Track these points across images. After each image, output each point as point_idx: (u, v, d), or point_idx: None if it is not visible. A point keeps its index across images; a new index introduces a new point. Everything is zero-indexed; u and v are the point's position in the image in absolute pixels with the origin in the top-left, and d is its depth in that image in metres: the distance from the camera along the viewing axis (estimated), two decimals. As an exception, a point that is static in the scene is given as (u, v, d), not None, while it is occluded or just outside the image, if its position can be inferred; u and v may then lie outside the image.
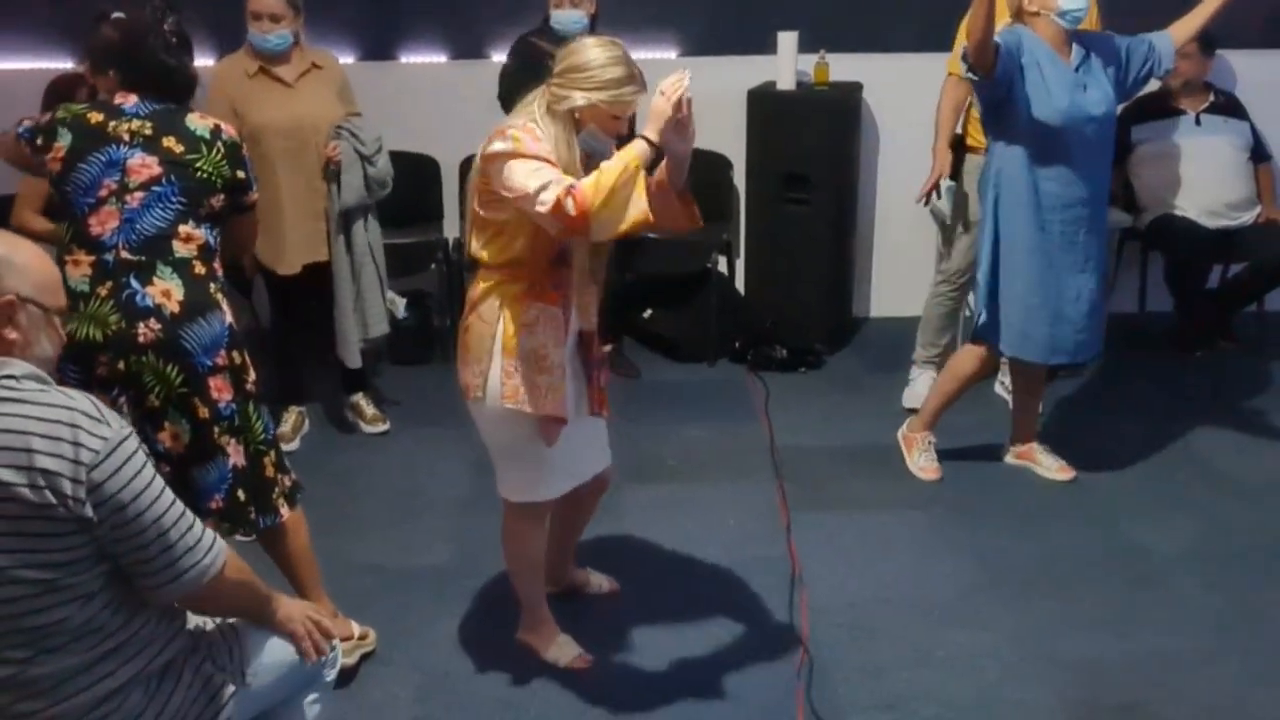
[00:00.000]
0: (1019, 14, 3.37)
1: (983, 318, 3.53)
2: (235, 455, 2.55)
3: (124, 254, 2.45)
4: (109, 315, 2.42)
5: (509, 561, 2.83)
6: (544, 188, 2.30)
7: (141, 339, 2.43)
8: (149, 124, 2.52)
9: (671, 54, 4.95)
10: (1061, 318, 3.45)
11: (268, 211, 3.74)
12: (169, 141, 2.52)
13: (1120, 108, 4.67)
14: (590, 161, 2.46)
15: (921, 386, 4.23)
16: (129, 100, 2.56)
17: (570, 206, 2.29)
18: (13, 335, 1.69)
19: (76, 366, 2.42)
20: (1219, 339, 4.85)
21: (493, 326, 2.52)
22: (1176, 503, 3.58)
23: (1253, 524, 3.43)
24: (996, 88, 3.28)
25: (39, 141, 2.55)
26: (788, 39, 4.62)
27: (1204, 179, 4.67)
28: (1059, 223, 3.38)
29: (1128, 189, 4.83)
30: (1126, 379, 4.54)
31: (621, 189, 2.31)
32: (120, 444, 1.66)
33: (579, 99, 2.41)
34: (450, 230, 4.98)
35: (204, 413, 2.49)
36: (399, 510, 3.62)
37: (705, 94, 4.87)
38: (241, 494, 2.57)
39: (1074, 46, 3.36)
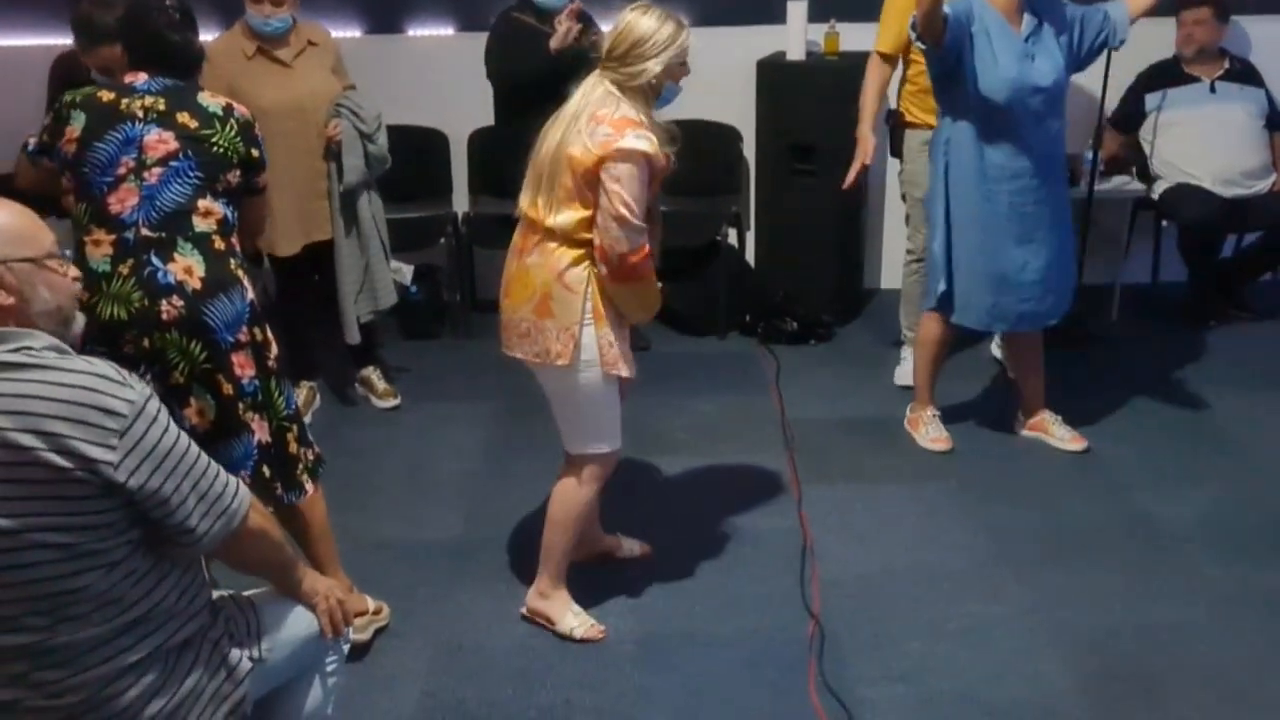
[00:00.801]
0: None
1: (941, 286, 3.54)
2: (260, 431, 2.57)
3: (144, 231, 2.45)
4: (131, 293, 2.43)
5: (560, 520, 2.83)
6: (632, 228, 2.52)
7: (165, 316, 2.43)
8: (162, 100, 2.51)
9: (680, 24, 4.90)
10: (1005, 287, 3.44)
11: (269, 193, 3.76)
12: (183, 117, 2.51)
13: (1133, 75, 4.70)
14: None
15: (909, 365, 4.22)
16: (139, 78, 2.55)
17: (636, 259, 2.55)
18: (7, 300, 1.68)
19: (103, 346, 2.42)
20: (1233, 309, 4.82)
21: (580, 295, 2.60)
22: (1190, 474, 3.57)
23: (1267, 496, 3.42)
24: (945, 57, 3.25)
25: (50, 135, 2.53)
26: (797, 8, 4.58)
27: (1218, 147, 4.63)
28: (1006, 193, 3.36)
29: (1140, 158, 4.79)
30: (1140, 350, 4.52)
31: (647, 295, 2.69)
32: (145, 405, 1.67)
33: (655, 67, 2.57)
34: (459, 204, 4.97)
35: (228, 389, 2.50)
36: (410, 484, 3.63)
37: (714, 65, 4.91)
38: (266, 470, 2.59)
39: (1026, 15, 3.33)
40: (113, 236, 2.45)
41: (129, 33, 2.62)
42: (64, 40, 4.54)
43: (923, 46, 3.26)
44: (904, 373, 4.21)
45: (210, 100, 2.57)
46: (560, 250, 2.60)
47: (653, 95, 2.61)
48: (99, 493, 1.64)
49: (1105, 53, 3.56)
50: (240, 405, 2.53)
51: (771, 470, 3.64)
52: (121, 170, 2.45)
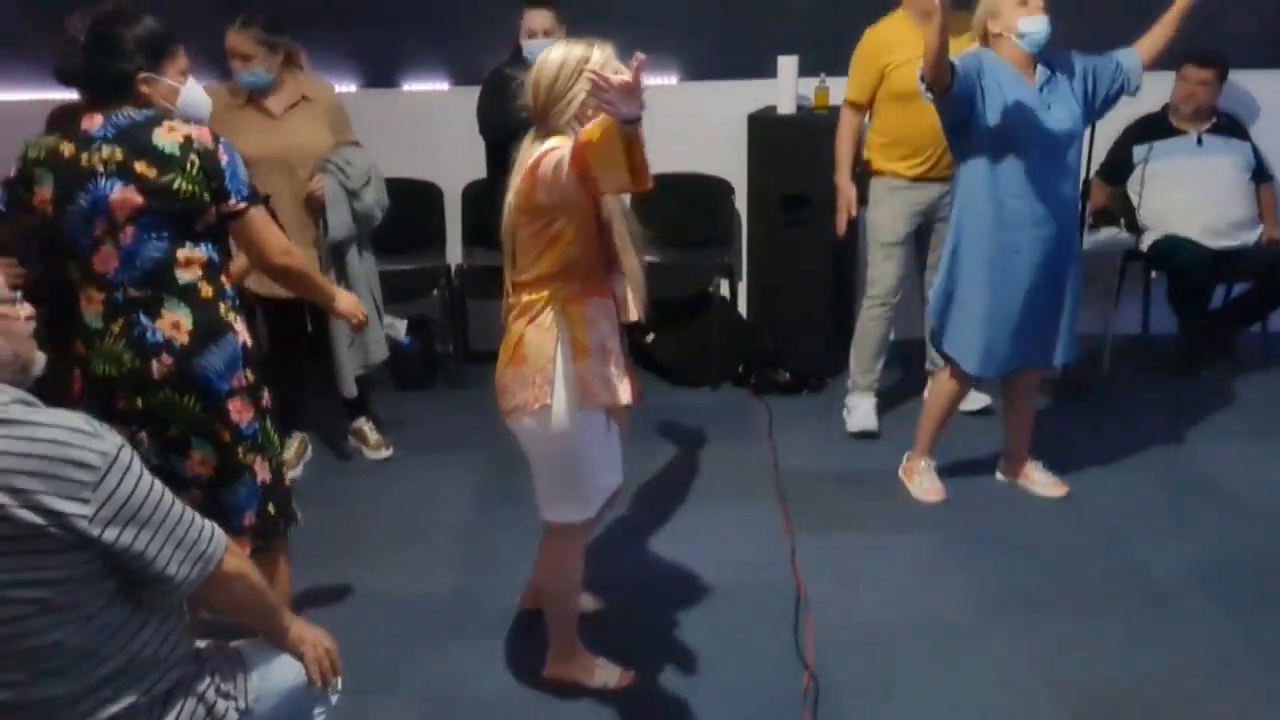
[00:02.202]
0: (984, 37, 3.41)
1: (940, 334, 3.56)
2: (262, 471, 2.58)
3: (131, 291, 2.44)
4: (122, 353, 2.43)
5: (548, 587, 2.81)
6: (562, 158, 2.29)
7: (156, 375, 2.43)
8: (119, 149, 2.41)
9: (673, 79, 4.97)
10: (1021, 332, 3.46)
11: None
12: (141, 166, 2.41)
13: (1122, 127, 4.76)
14: None
15: (863, 411, 4.25)
16: (95, 123, 2.44)
17: (574, 156, 2.25)
18: None
19: (97, 401, 2.42)
20: (1223, 359, 4.84)
21: (554, 333, 2.52)
22: (1182, 523, 3.56)
23: (1259, 546, 3.41)
24: (958, 108, 3.30)
25: (20, 192, 2.47)
26: (788, 63, 4.64)
27: (1206, 199, 4.67)
28: (1025, 240, 3.39)
29: (1129, 209, 4.84)
30: (1131, 399, 4.53)
31: (606, 136, 2.20)
32: (118, 456, 1.66)
33: (580, 91, 2.42)
34: (453, 256, 5.00)
35: (227, 436, 2.50)
36: (402, 537, 3.61)
37: (706, 118, 4.94)
38: (272, 508, 2.61)
39: (1039, 67, 3.38)
40: (103, 295, 2.45)
41: (65, 67, 2.48)
42: (63, 95, 4.61)
43: (930, 97, 3.31)
44: (856, 420, 4.24)
45: (166, 138, 2.42)
46: (530, 297, 2.56)
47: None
48: (73, 546, 1.62)
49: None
50: (240, 449, 2.53)
51: (765, 521, 3.62)
52: (98, 231, 2.42)
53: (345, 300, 2.82)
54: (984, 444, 3.98)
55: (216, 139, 2.47)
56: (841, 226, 4.16)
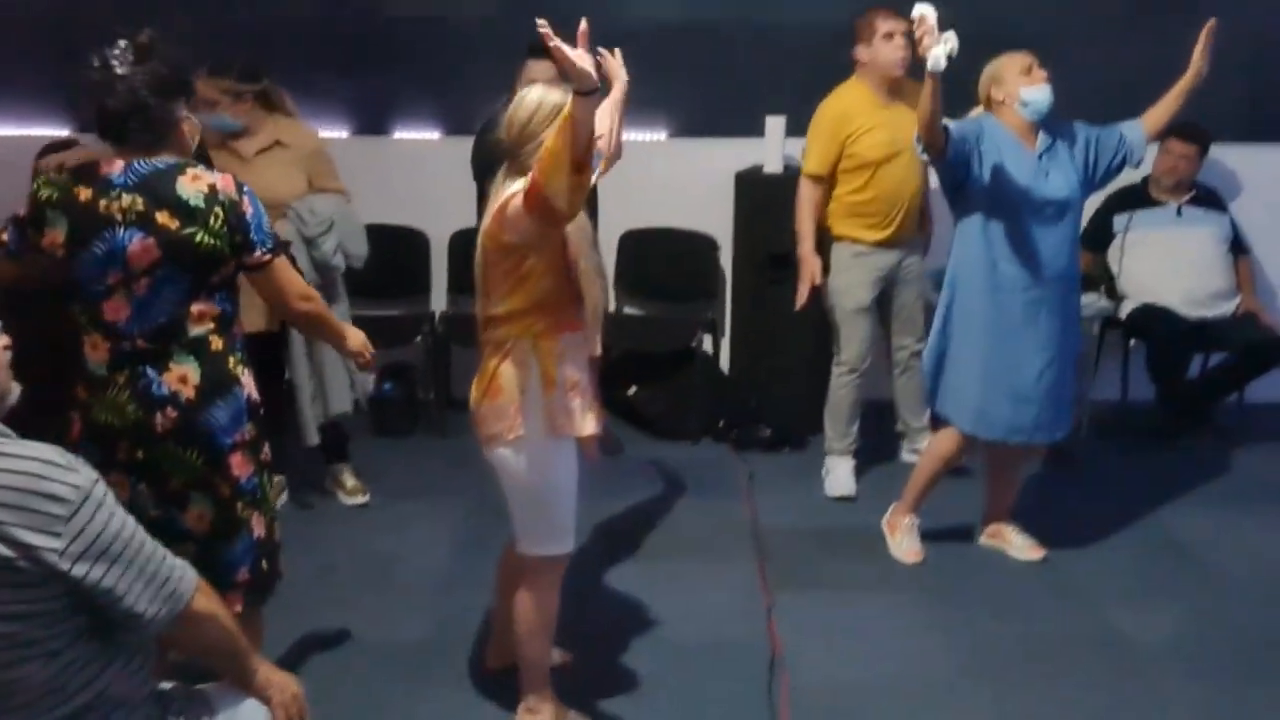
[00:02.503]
0: (987, 102, 3.47)
1: (934, 393, 3.58)
2: (258, 527, 2.53)
3: (140, 342, 2.38)
4: (127, 404, 2.38)
5: (524, 626, 2.77)
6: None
7: (159, 428, 2.38)
8: (140, 198, 2.34)
9: (662, 135, 5.03)
10: (1020, 397, 3.47)
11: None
12: (163, 217, 2.34)
13: (1103, 196, 4.83)
14: None
15: (841, 475, 4.24)
16: (115, 168, 2.37)
17: (530, 188, 2.36)
18: None
19: (96, 448, 2.37)
20: (1200, 428, 4.87)
21: (527, 367, 2.58)
22: (1158, 592, 3.56)
23: (1235, 617, 3.41)
24: (954, 170, 3.35)
25: (30, 232, 2.40)
26: (775, 123, 4.70)
27: (1185, 269, 4.73)
28: (1019, 304, 3.41)
29: (1108, 276, 4.89)
30: (1108, 466, 4.54)
31: (560, 150, 2.28)
32: (92, 490, 1.64)
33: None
34: (437, 303, 5.01)
35: (226, 490, 2.46)
36: (379, 583, 3.58)
37: (694, 174, 4.98)
38: (265, 564, 2.56)
39: (1040, 134, 3.44)
40: (110, 344, 2.39)
41: (93, 107, 2.37)
42: (58, 130, 4.62)
43: (926, 159, 3.36)
44: (834, 484, 4.24)
45: (190, 188, 2.37)
46: (502, 331, 2.61)
47: None
48: (41, 580, 1.60)
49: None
50: (239, 504, 2.48)
51: (742, 577, 3.61)
52: (111, 280, 2.36)
53: (354, 338, 2.78)
54: (964, 505, 3.98)
55: (240, 188, 2.43)
56: (803, 297, 4.18)
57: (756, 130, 4.73)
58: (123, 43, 2.33)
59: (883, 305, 4.28)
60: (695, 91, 4.97)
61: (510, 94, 4.14)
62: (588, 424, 2.65)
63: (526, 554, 2.73)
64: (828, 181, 4.13)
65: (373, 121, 5.02)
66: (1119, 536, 3.93)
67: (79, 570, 1.62)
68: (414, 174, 4.95)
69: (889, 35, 3.95)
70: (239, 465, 2.47)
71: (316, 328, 2.73)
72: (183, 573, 1.78)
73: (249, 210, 2.43)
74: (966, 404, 3.51)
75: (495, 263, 2.58)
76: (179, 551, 2.36)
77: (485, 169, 3.93)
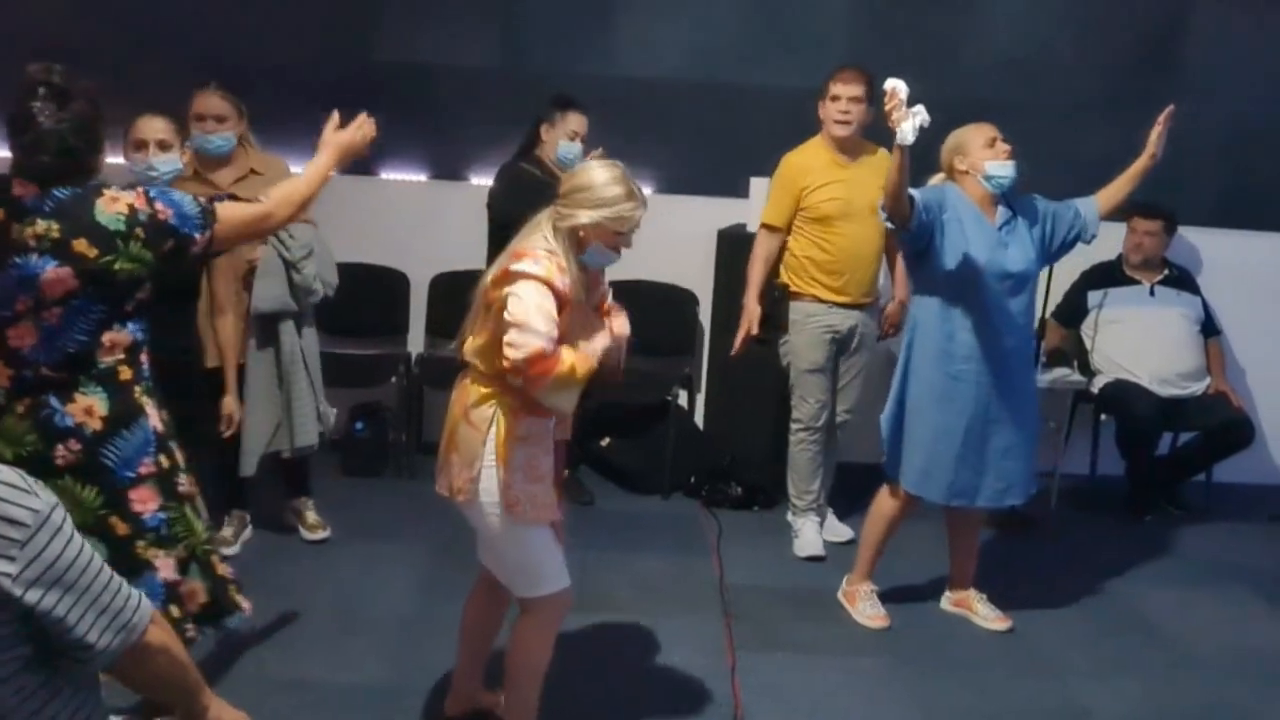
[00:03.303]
0: (950, 171, 3.51)
1: (886, 451, 3.59)
2: (164, 569, 2.38)
3: (45, 371, 2.28)
4: (25, 435, 2.27)
5: (523, 671, 2.74)
6: (538, 334, 2.40)
7: (60, 461, 2.28)
8: (55, 225, 2.24)
9: (648, 191, 5.05)
10: (965, 462, 3.48)
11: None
12: (80, 245, 2.24)
13: (1078, 273, 4.90)
14: (587, 273, 2.60)
15: (809, 535, 4.25)
16: (30, 191, 2.25)
17: (538, 366, 2.40)
18: None
19: None
20: (1168, 505, 4.90)
21: (483, 434, 2.55)
22: (1122, 665, 3.56)
23: (1200, 693, 3.41)
24: (917, 239, 3.38)
25: None
26: (759, 184, 4.73)
27: (1156, 348, 4.80)
28: (973, 373, 3.44)
29: (1082, 352, 4.95)
30: (1077, 539, 4.56)
31: (570, 387, 2.48)
32: (50, 515, 1.60)
33: (584, 217, 2.53)
34: (414, 345, 5.00)
35: (123, 529, 2.33)
36: (338, 624, 3.52)
37: (677, 230, 5.03)
38: (175, 610, 2.41)
39: (1000, 207, 3.49)
40: (11, 371, 2.29)
41: (8, 132, 2.28)
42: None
43: (891, 227, 3.39)
44: (803, 544, 4.24)
45: (109, 212, 2.27)
46: (472, 387, 2.60)
47: (576, 246, 2.56)
48: None
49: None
50: (139, 544, 2.35)
51: (707, 634, 3.57)
52: (19, 307, 2.26)
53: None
54: (930, 568, 3.98)
55: (150, 198, 2.34)
56: (737, 344, 4.22)
57: (741, 191, 4.78)
58: (42, 90, 2.27)
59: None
60: (683, 150, 5.03)
61: (526, 141, 4.19)
62: (544, 510, 2.60)
63: (519, 596, 2.71)
64: (783, 233, 4.18)
65: (360, 161, 5.01)
66: (1086, 609, 3.93)
67: (31, 597, 1.58)
68: (399, 215, 4.97)
69: (835, 98, 4.04)
70: (141, 500, 2.35)
71: (303, 205, 2.58)
72: (138, 603, 1.74)
73: (167, 213, 2.34)
74: (912, 463, 3.53)
75: (487, 312, 2.57)
76: None
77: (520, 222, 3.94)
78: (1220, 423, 4.74)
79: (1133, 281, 4.92)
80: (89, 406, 2.30)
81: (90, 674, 1.75)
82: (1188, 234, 5.10)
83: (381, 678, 3.23)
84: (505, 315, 2.44)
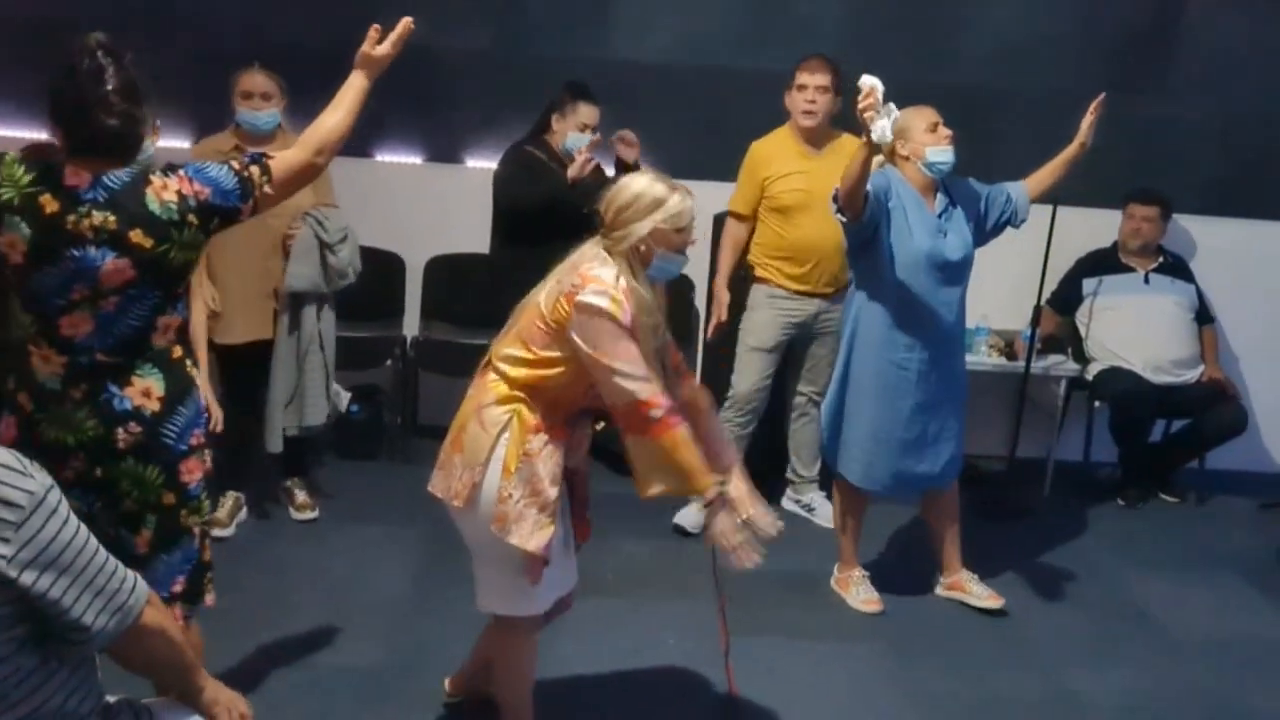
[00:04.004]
0: (891, 155, 3.48)
1: (831, 449, 3.62)
2: (197, 535, 2.45)
3: (100, 357, 2.29)
4: (85, 421, 2.28)
5: (500, 687, 2.73)
6: (633, 377, 2.38)
7: (121, 444, 2.30)
8: (112, 216, 2.23)
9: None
10: (907, 452, 3.51)
11: (219, 283, 3.74)
12: (136, 235, 2.25)
13: (1073, 259, 4.91)
14: (656, 290, 2.55)
15: (691, 515, 4.15)
16: (83, 180, 2.24)
17: (659, 413, 2.39)
18: None
19: (41, 465, 2.28)
20: (1161, 492, 4.92)
21: (492, 439, 2.47)
22: (1112, 652, 3.58)
23: (1189, 680, 3.43)
24: (863, 230, 3.36)
25: None
26: (756, 169, 4.74)
27: (1150, 335, 4.80)
28: (914, 362, 3.45)
29: (1076, 339, 4.96)
30: (1069, 527, 4.57)
31: (676, 468, 2.46)
32: (45, 496, 1.61)
33: (642, 229, 2.47)
34: (410, 328, 4.99)
35: (170, 499, 2.38)
36: (330, 607, 3.53)
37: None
38: (197, 574, 2.47)
39: (938, 194, 3.49)
40: (64, 358, 2.29)
41: (58, 115, 2.25)
42: (37, 133, 4.59)
43: (843, 219, 3.34)
44: (684, 516, 4.19)
45: (161, 199, 2.28)
46: (494, 384, 2.52)
47: (640, 263, 2.49)
48: None
49: (1010, 232, 3.69)
50: (183, 512, 2.40)
51: (700, 618, 3.58)
52: (75, 296, 2.26)
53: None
54: (923, 552, 3.98)
55: (190, 179, 2.33)
56: (711, 329, 4.24)
57: (737, 175, 4.76)
58: (100, 54, 2.22)
59: (793, 354, 4.29)
60: (681, 133, 5.00)
61: (544, 126, 4.16)
62: (533, 539, 2.46)
63: (483, 609, 2.66)
64: (749, 220, 4.18)
65: (355, 143, 4.99)
66: (1078, 596, 3.95)
67: (27, 578, 1.58)
68: (394, 198, 4.95)
69: (801, 87, 4.03)
70: (189, 471, 2.39)
71: (343, 140, 2.52)
72: (133, 585, 1.74)
73: (207, 192, 2.32)
74: (856, 459, 3.56)
75: (532, 317, 2.50)
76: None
77: (525, 205, 3.92)
78: (1213, 410, 4.76)
79: (1128, 269, 4.92)
80: (146, 389, 2.31)
81: (86, 655, 1.76)
82: (1182, 221, 5.10)
83: (373, 659, 3.24)
84: (590, 363, 2.39)
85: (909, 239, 3.38)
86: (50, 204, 2.22)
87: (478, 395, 2.54)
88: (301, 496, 4.14)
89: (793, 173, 4.07)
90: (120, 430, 2.29)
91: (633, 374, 2.38)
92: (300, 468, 4.19)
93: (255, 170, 2.39)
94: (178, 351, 2.39)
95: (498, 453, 2.46)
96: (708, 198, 4.86)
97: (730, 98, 4.93)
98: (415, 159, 5.05)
